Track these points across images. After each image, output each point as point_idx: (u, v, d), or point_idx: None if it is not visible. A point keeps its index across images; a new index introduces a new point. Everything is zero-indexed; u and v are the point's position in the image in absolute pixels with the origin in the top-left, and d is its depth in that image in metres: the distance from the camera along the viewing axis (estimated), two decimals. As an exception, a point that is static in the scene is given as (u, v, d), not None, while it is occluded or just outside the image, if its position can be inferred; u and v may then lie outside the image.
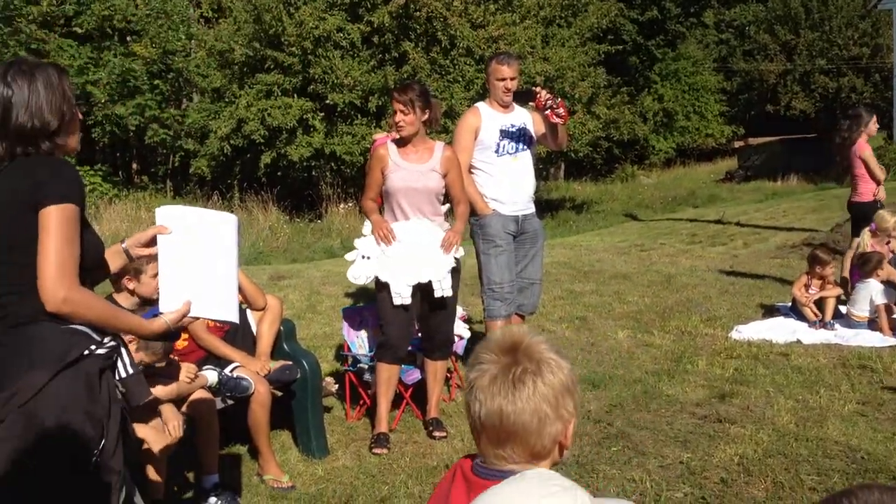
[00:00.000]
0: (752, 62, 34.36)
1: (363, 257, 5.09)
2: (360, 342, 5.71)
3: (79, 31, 21.51)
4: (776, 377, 5.91)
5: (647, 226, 17.33)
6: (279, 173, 18.99)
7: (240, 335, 4.91)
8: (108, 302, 2.48)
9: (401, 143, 5.12)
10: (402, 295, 4.97)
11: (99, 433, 2.38)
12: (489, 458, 1.72)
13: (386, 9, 17.64)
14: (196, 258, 2.65)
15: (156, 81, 21.42)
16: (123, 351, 2.58)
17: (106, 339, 2.44)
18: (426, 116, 5.06)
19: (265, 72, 18.10)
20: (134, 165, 24.72)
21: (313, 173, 19.11)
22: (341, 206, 17.45)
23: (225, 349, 4.71)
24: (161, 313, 2.62)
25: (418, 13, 17.59)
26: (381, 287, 5.04)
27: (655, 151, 34.65)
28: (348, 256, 5.21)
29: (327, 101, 17.69)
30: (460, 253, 5.19)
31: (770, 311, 7.97)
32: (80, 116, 2.58)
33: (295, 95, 17.98)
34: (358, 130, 17.81)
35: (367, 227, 5.32)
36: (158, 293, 3.99)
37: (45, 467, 2.33)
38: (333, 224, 16.59)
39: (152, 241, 2.72)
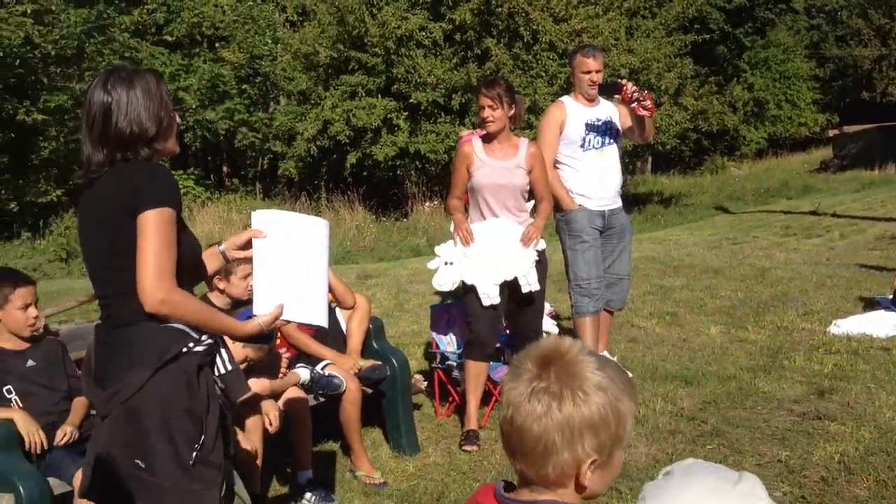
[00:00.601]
0: (846, 48, 33.28)
1: (446, 263, 5.07)
2: (448, 339, 5.72)
3: (169, 38, 22.15)
4: (877, 372, 5.70)
5: (738, 218, 16.94)
6: (365, 173, 19.17)
7: (330, 333, 4.97)
8: (203, 303, 2.54)
9: (486, 139, 5.11)
10: (490, 295, 4.95)
11: (199, 428, 2.44)
12: (515, 473, 1.58)
13: (467, 6, 17.63)
14: (289, 262, 2.69)
15: (244, 86, 21.90)
16: (222, 348, 2.63)
17: (204, 337, 2.50)
18: (512, 112, 5.04)
19: (349, 73, 18.30)
20: (224, 169, 25.31)
21: (398, 172, 19.24)
22: (426, 204, 17.53)
23: (316, 347, 4.78)
24: (255, 315, 2.67)
25: (500, 9, 17.54)
26: (469, 289, 5.02)
27: (746, 142, 33.82)
28: (431, 264, 5.20)
29: (411, 100, 17.79)
30: (542, 245, 5.14)
31: (870, 305, 7.69)
32: (179, 120, 2.64)
33: (379, 95, 18.12)
34: (441, 128, 17.85)
35: (453, 226, 5.32)
36: (248, 294, 4.09)
37: (149, 462, 2.40)
38: (419, 222, 16.67)
39: (248, 244, 2.77)
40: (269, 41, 22.76)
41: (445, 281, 5.05)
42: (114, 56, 19.11)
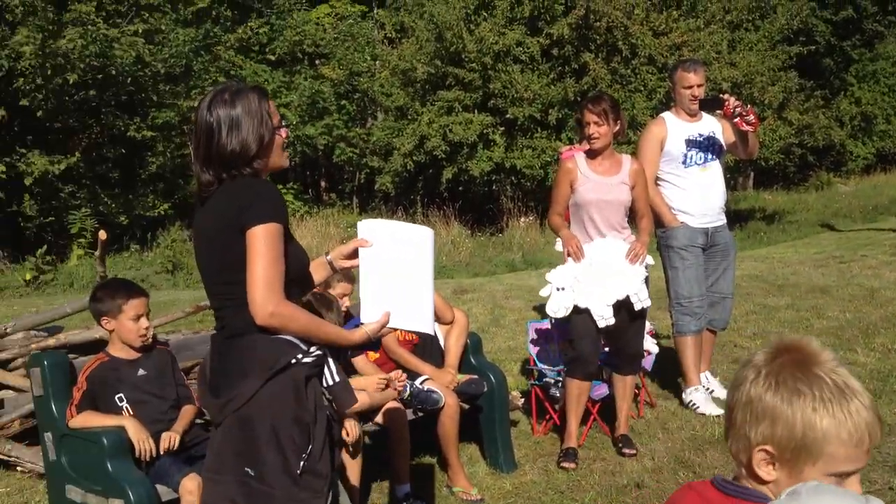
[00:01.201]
0: (960, 60, 31.89)
1: (557, 289, 5.00)
2: (546, 356, 5.68)
3: (272, 56, 22.69)
4: None
5: (845, 236, 16.37)
6: (460, 188, 19.24)
7: (428, 348, 5.00)
8: (312, 315, 2.59)
9: (589, 155, 5.06)
10: (604, 317, 4.88)
11: (306, 438, 2.48)
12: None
13: (565, 21, 17.57)
14: (395, 271, 2.73)
15: (343, 102, 22.26)
16: (330, 359, 2.67)
17: (312, 349, 2.55)
18: (617, 128, 4.99)
19: (446, 88, 18.41)
20: (322, 183, 25.74)
21: (494, 187, 19.25)
22: (522, 219, 17.48)
23: (415, 362, 4.80)
24: (362, 324, 2.71)
25: (598, 23, 17.42)
26: (580, 311, 4.95)
27: (853, 157, 32.69)
28: (543, 292, 5.13)
29: (507, 116, 17.79)
30: (650, 261, 5.06)
31: None
32: (284, 136, 2.69)
33: (475, 111, 18.19)
34: (538, 144, 17.80)
35: (558, 244, 5.27)
36: (343, 309, 4.14)
37: (258, 470, 2.46)
38: (514, 238, 16.63)
39: (354, 254, 2.82)
40: (368, 58, 23.10)
41: (559, 307, 4.96)
42: (219, 74, 19.69)
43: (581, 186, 4.99)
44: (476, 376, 4.92)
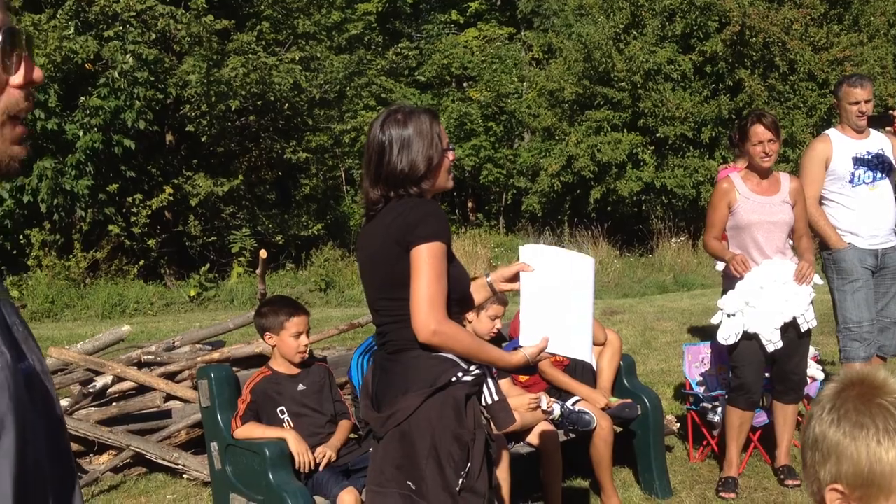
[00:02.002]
0: None
1: (728, 316, 4.83)
2: (702, 380, 5.51)
3: (421, 79, 23.16)
4: None
5: None
6: (609, 208, 19.03)
7: (579, 369, 4.93)
8: (473, 334, 2.62)
9: (748, 175, 4.89)
10: (773, 341, 4.69)
11: (465, 455, 2.50)
12: None
13: (719, 37, 17.14)
14: (556, 296, 2.73)
15: (490, 123, 22.45)
16: (489, 378, 2.68)
17: (472, 367, 2.57)
18: (776, 146, 4.83)
19: (595, 108, 18.28)
20: (469, 204, 25.97)
21: (643, 207, 18.95)
22: (673, 240, 17.09)
23: (568, 382, 4.75)
24: (521, 346, 2.71)
25: (754, 39, 16.90)
26: (748, 337, 4.76)
27: None
28: (713, 320, 4.96)
29: (658, 135, 17.49)
30: (818, 280, 4.84)
31: None
32: (452, 158, 2.73)
33: (625, 130, 17.97)
34: (690, 163, 17.41)
35: (718, 265, 5.10)
36: (492, 334, 4.14)
37: (418, 485, 2.49)
38: (665, 259, 16.27)
39: (515, 277, 2.82)
40: (515, 79, 23.23)
41: (730, 334, 4.77)
42: (370, 98, 20.20)
43: (741, 207, 4.81)
44: (630, 400, 4.82)
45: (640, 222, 19.07)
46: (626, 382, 5.00)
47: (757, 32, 16.79)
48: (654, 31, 17.54)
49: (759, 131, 4.74)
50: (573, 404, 4.60)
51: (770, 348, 4.69)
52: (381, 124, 2.65)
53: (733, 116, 16.70)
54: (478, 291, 2.89)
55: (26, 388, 1.06)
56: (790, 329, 4.74)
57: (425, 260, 2.48)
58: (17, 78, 1.12)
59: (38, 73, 1.15)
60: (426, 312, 2.45)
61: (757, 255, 4.79)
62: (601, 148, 17.60)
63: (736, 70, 17.27)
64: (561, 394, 4.73)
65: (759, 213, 4.78)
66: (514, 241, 18.59)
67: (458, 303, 2.62)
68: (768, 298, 4.70)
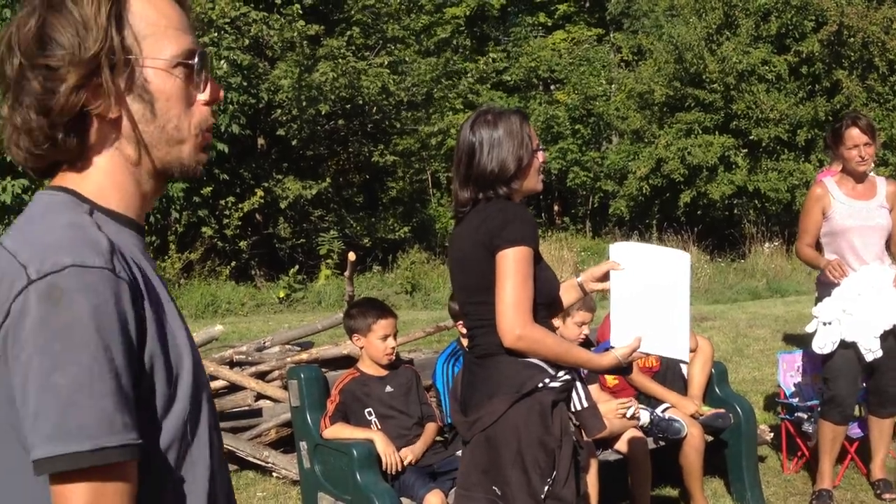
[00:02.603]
0: None
1: (824, 324, 4.67)
2: (797, 389, 5.35)
3: (508, 82, 23.13)
4: None
5: None
6: (699, 212, 18.69)
7: (669, 376, 4.84)
8: (560, 338, 2.59)
9: (842, 179, 4.72)
10: (872, 349, 4.51)
11: (551, 462, 2.47)
12: None
13: (816, 37, 16.69)
14: (648, 294, 2.67)
15: (577, 126, 22.29)
16: (578, 384, 2.65)
17: (560, 373, 2.54)
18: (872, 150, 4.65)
19: (685, 110, 17.99)
20: (555, 207, 25.82)
21: (735, 211, 18.55)
22: (766, 245, 16.67)
23: (657, 389, 4.67)
24: (612, 347, 2.67)
25: (852, 39, 16.40)
26: (846, 346, 4.59)
27: None
28: (809, 328, 4.80)
29: (751, 137, 17.12)
30: None
31: None
32: (542, 160, 2.70)
33: (716, 132, 17.63)
34: (785, 166, 16.99)
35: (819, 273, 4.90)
36: (578, 340, 4.08)
37: (504, 490, 2.47)
38: (757, 264, 15.87)
39: (605, 276, 2.77)
40: (604, 81, 23.00)
41: (826, 343, 4.60)
42: (457, 100, 20.24)
43: (836, 212, 4.65)
44: (723, 410, 4.69)
45: (732, 226, 18.69)
46: (717, 390, 4.88)
47: (855, 32, 16.29)
48: (747, 32, 17.16)
49: (854, 135, 4.57)
50: (663, 411, 4.51)
51: (869, 357, 4.51)
52: (470, 125, 2.64)
53: (830, 118, 16.23)
54: (567, 292, 2.85)
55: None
56: (889, 337, 4.56)
57: (511, 264, 2.45)
58: (204, 95, 1.25)
59: (220, 91, 1.28)
60: (511, 317, 2.43)
61: (854, 261, 4.61)
62: (691, 151, 17.31)
63: (833, 71, 16.79)
64: (650, 401, 4.65)
65: (855, 218, 4.61)
66: (601, 245, 18.41)
67: (545, 307, 2.59)
68: (866, 306, 4.52)
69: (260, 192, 14.57)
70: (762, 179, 17.12)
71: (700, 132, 17.67)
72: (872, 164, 4.71)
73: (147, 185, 1.25)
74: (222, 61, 13.53)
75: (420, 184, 20.58)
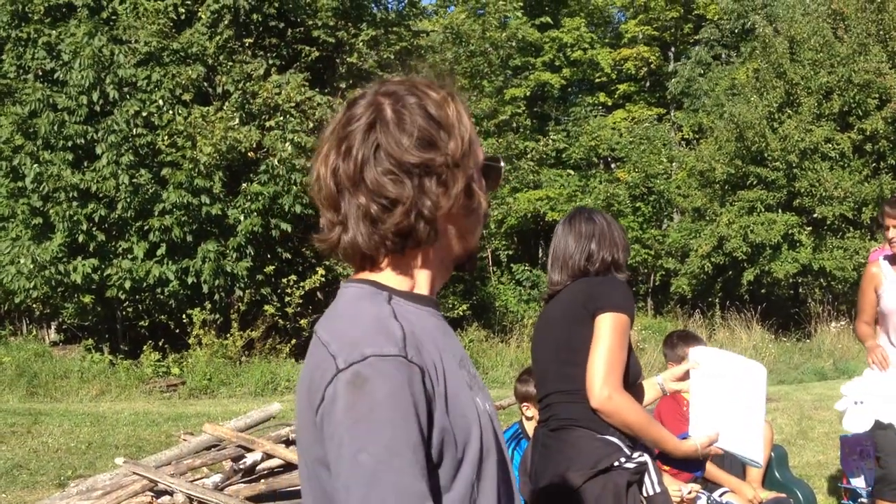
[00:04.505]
0: None
1: (855, 403, 4.58)
2: (860, 473, 5.19)
3: (568, 161, 23.27)
4: None
5: None
6: (762, 290, 18.41)
7: (728, 460, 4.74)
8: (645, 411, 2.60)
9: (894, 258, 4.66)
10: None
11: None
12: None
13: (879, 114, 16.54)
14: (726, 395, 2.77)
15: (637, 204, 22.24)
16: (652, 468, 2.63)
17: (636, 455, 2.52)
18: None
19: (747, 188, 17.87)
20: (617, 285, 25.67)
21: (800, 290, 18.22)
22: (832, 324, 16.32)
23: (716, 472, 4.57)
24: (691, 436, 2.69)
25: (917, 116, 16.24)
26: (883, 426, 4.50)
27: None
28: (838, 406, 4.74)
29: (815, 215, 16.90)
30: None
31: None
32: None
33: (779, 210, 17.45)
34: (850, 244, 16.70)
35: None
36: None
37: None
38: (824, 344, 15.53)
39: (685, 376, 2.86)
40: (665, 160, 23.00)
41: (855, 423, 4.55)
42: (516, 182, 20.39)
43: (886, 293, 4.58)
44: (783, 495, 4.58)
45: (797, 305, 18.34)
46: (777, 474, 4.78)
47: (919, 110, 16.13)
48: (809, 110, 17.08)
49: (886, 216, 4.55)
50: (720, 495, 4.42)
51: None
52: (569, 222, 2.80)
53: (896, 196, 16.00)
54: (648, 390, 2.90)
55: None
56: None
57: (609, 327, 2.50)
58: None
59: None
60: (603, 378, 2.45)
61: None
62: (754, 229, 17.13)
63: (898, 147, 16.60)
64: (707, 484, 4.56)
65: None
66: (663, 324, 18.19)
67: (630, 386, 2.61)
68: (892, 383, 4.43)
69: (321, 271, 14.78)
70: (827, 258, 16.84)
71: (763, 210, 17.51)
72: None
73: (451, 269, 1.50)
74: (287, 143, 13.90)
75: (480, 262, 20.66)
